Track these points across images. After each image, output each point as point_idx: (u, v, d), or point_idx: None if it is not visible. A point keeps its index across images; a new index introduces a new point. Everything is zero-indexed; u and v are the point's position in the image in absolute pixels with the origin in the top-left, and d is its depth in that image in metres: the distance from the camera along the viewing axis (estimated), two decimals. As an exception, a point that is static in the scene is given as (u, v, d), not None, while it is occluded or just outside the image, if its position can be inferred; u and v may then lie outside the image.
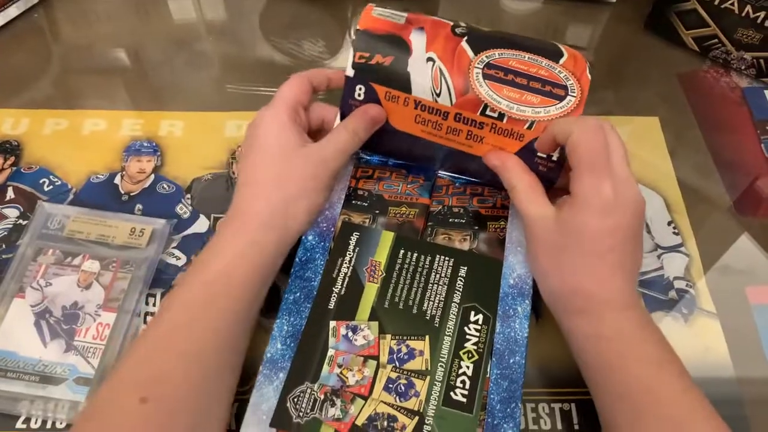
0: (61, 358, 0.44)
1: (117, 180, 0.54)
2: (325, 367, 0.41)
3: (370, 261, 0.46)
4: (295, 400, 0.40)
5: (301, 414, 0.40)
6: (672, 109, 0.62)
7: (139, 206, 0.53)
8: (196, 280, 0.40)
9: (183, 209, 0.53)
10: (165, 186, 0.54)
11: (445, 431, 0.39)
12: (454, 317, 0.44)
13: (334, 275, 0.45)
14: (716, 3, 0.60)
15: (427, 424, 0.40)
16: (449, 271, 0.46)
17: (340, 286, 0.45)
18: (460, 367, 0.42)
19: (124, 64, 0.65)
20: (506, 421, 0.40)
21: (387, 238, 0.47)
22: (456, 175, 0.52)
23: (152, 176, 0.55)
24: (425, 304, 0.44)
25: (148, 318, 0.47)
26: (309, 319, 0.43)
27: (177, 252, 0.50)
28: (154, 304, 0.47)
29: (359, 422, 0.39)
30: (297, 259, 0.46)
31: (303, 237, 0.46)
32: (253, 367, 0.42)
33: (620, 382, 0.38)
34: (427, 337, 0.43)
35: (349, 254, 0.46)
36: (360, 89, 0.45)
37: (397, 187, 0.51)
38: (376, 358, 0.42)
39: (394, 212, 0.49)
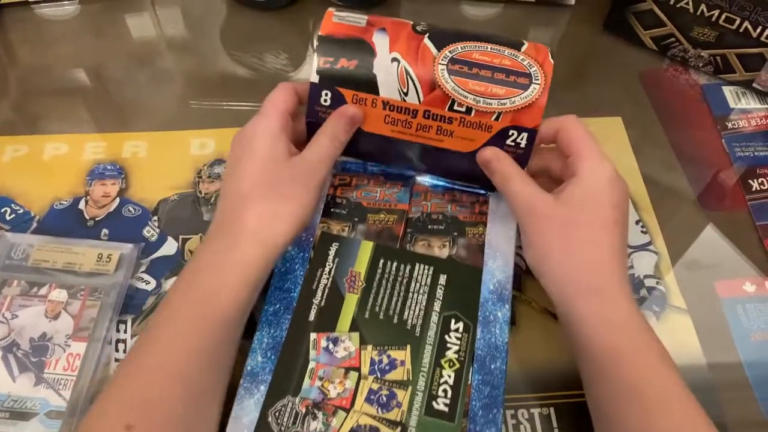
0: (31, 392, 0.43)
1: (81, 205, 0.53)
2: (306, 380, 0.41)
3: (350, 271, 0.46)
4: (277, 414, 0.40)
5: (282, 428, 0.39)
6: (634, 108, 0.63)
7: (105, 231, 0.52)
8: (183, 299, 0.39)
9: (150, 232, 0.52)
10: (131, 209, 0.53)
11: None
12: (435, 326, 0.44)
13: (314, 287, 0.45)
14: (671, 2, 0.61)
15: None
16: (429, 279, 0.46)
17: (320, 298, 0.45)
18: (441, 376, 0.42)
19: (84, 85, 0.64)
20: (488, 427, 0.40)
21: (366, 248, 0.47)
22: (434, 180, 0.52)
23: (117, 200, 0.54)
24: (406, 314, 0.44)
25: (120, 345, 0.46)
26: (289, 331, 0.43)
27: (146, 276, 0.49)
28: (125, 331, 0.47)
29: None
30: (276, 270, 0.46)
31: None
32: (232, 387, 0.41)
33: (629, 373, 0.38)
34: (408, 346, 0.43)
35: (329, 265, 0.46)
36: (326, 94, 0.45)
37: (375, 194, 0.51)
38: (358, 369, 0.42)
39: (373, 219, 0.49)
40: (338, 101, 0.45)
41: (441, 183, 0.52)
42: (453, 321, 0.44)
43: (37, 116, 0.61)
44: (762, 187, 0.56)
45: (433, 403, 0.41)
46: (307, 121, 0.46)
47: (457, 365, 0.42)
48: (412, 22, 0.46)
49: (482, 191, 0.51)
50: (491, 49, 0.45)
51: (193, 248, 0.51)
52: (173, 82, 0.65)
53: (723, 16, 0.59)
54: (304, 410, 0.40)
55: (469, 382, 0.42)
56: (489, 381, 0.42)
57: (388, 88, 0.44)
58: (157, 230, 0.52)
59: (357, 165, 0.53)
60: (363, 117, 0.45)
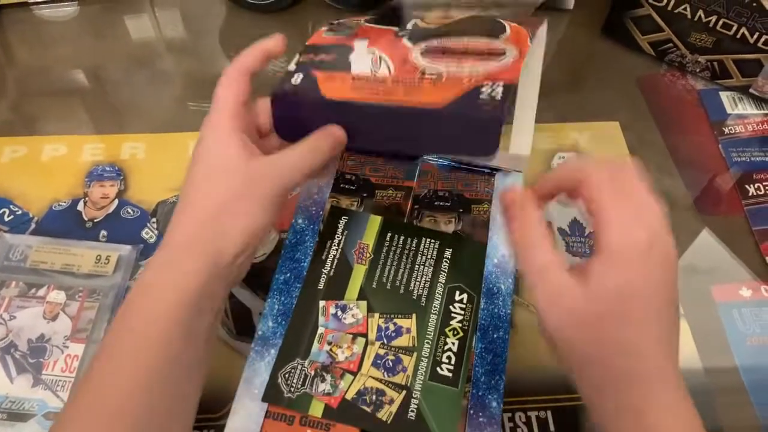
0: (29, 393, 0.43)
1: (80, 207, 0.53)
2: (315, 345, 0.43)
3: (359, 244, 0.47)
4: (287, 376, 0.41)
5: (292, 389, 0.41)
6: (632, 113, 0.63)
7: (103, 233, 0.52)
8: (122, 327, 0.35)
9: (149, 234, 0.52)
10: (129, 211, 0.53)
11: (432, 404, 0.41)
12: (440, 296, 0.45)
13: (323, 257, 0.46)
14: (669, 8, 0.61)
15: (414, 398, 0.41)
16: (435, 253, 0.47)
17: (329, 268, 0.46)
18: (445, 343, 0.43)
19: (83, 86, 0.64)
20: (491, 393, 0.42)
21: (375, 222, 0.48)
22: (442, 161, 0.53)
23: (116, 201, 0.54)
24: (412, 285, 0.46)
25: (118, 347, 0.46)
26: (299, 299, 0.44)
27: (145, 278, 0.49)
28: (123, 333, 0.47)
29: (349, 396, 0.41)
30: (287, 242, 0.47)
31: (293, 221, 0.48)
32: (229, 391, 0.42)
33: None
34: (414, 315, 0.44)
35: (338, 237, 0.47)
36: (298, 76, 0.43)
37: (384, 171, 0.52)
38: (365, 335, 0.43)
39: (382, 195, 0.51)
40: (309, 82, 0.42)
41: (447, 163, 0.53)
42: (457, 292, 0.45)
43: (36, 117, 0.61)
44: (758, 192, 0.57)
45: (438, 368, 0.42)
46: (273, 100, 0.43)
47: (461, 334, 0.44)
48: (396, 29, 0.46)
49: (487, 169, 0.52)
50: (468, 40, 0.44)
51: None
52: (172, 84, 0.65)
53: (720, 22, 0.59)
54: (312, 372, 0.41)
55: (473, 350, 0.43)
56: (492, 349, 0.43)
57: (360, 66, 0.43)
58: (156, 232, 0.52)
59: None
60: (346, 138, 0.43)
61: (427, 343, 0.43)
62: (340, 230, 0.48)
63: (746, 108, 0.63)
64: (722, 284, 0.51)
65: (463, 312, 0.45)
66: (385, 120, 0.44)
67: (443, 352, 0.43)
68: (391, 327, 0.44)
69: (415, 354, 0.43)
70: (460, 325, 0.44)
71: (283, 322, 0.44)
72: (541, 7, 0.71)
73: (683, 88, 0.65)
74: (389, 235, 0.48)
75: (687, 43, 0.63)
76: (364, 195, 0.50)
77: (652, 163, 0.59)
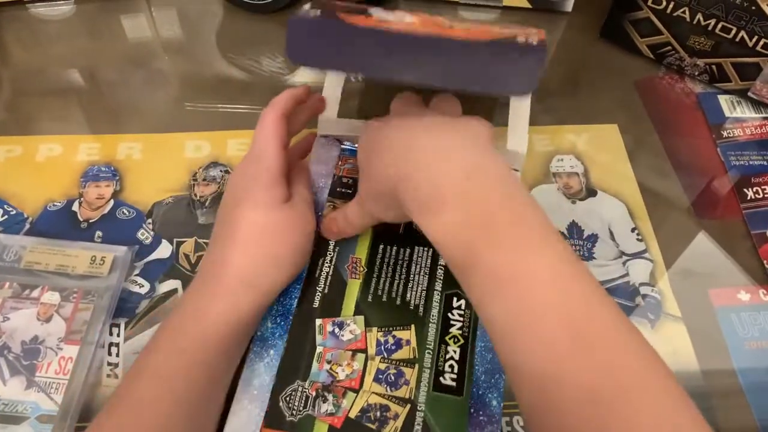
0: (22, 396, 0.43)
1: (75, 207, 0.53)
2: (315, 365, 0.42)
3: (351, 258, 0.46)
4: (288, 399, 0.41)
5: (294, 412, 0.40)
6: (630, 116, 0.63)
7: (98, 233, 0.51)
8: (171, 347, 0.38)
9: (144, 235, 0.52)
10: (125, 211, 0.53)
11: (437, 415, 0.41)
12: (437, 304, 0.45)
13: (317, 275, 0.46)
14: (668, 11, 0.61)
15: (419, 411, 0.41)
16: (429, 261, 0.47)
17: (323, 285, 0.45)
18: (447, 352, 0.43)
19: (78, 86, 0.63)
20: (491, 391, 0.41)
21: (366, 235, 0.48)
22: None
23: (111, 202, 0.53)
24: (408, 295, 0.45)
25: (113, 349, 0.46)
26: (294, 318, 0.44)
27: (140, 279, 0.49)
28: (118, 335, 0.46)
29: (352, 414, 0.40)
30: None
31: None
32: (228, 394, 0.41)
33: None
34: (412, 326, 0.44)
35: (330, 254, 0.47)
36: (316, 11, 0.42)
37: None
38: (364, 351, 0.43)
39: None
40: (331, 15, 0.42)
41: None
42: (455, 299, 0.45)
43: (31, 117, 0.60)
44: (756, 195, 0.56)
45: (441, 378, 0.42)
46: (291, 19, 0.41)
47: (462, 341, 0.43)
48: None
49: None
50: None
51: (187, 251, 0.51)
52: (169, 84, 0.65)
53: (719, 26, 0.59)
54: (314, 393, 0.41)
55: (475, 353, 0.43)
56: (491, 348, 0.43)
57: (381, 14, 0.43)
58: (152, 233, 0.52)
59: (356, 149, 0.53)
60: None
61: (428, 353, 0.43)
62: (331, 246, 0.47)
63: (745, 111, 0.63)
64: (720, 288, 0.51)
65: (462, 318, 0.44)
66: (418, 49, 0.41)
67: (445, 361, 0.42)
68: (391, 340, 0.43)
69: (416, 366, 0.42)
70: (460, 332, 0.44)
71: (282, 323, 0.43)
72: (539, 9, 0.71)
73: (682, 91, 0.65)
74: (381, 246, 0.47)
75: (686, 47, 0.63)
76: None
77: (650, 166, 0.58)
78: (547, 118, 0.60)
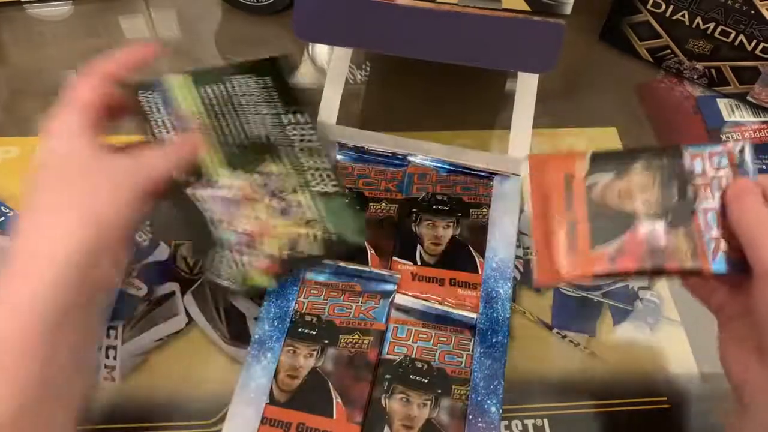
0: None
1: (72, 208, 0.53)
2: (220, 231, 0.42)
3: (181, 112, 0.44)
4: (215, 270, 0.41)
5: (225, 276, 0.41)
6: (629, 119, 0.63)
7: (96, 235, 0.51)
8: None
9: (142, 237, 0.51)
10: (123, 213, 0.53)
11: (336, 218, 0.43)
12: (281, 126, 0.44)
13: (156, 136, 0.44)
14: (668, 15, 0.61)
15: (322, 222, 0.43)
16: (257, 87, 0.45)
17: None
18: (312, 163, 0.44)
19: (76, 87, 0.63)
20: (490, 398, 0.41)
21: (183, 84, 0.45)
22: (438, 163, 0.52)
23: (109, 203, 0.53)
24: (254, 129, 0.44)
25: (110, 352, 0.45)
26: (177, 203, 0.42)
27: (137, 282, 0.49)
28: (115, 337, 0.46)
29: (279, 254, 0.42)
30: None
31: None
32: (223, 397, 0.42)
33: None
34: (267, 156, 0.44)
35: (158, 116, 0.45)
36: None
37: (377, 185, 0.52)
38: (250, 198, 0.42)
39: (375, 208, 0.51)
40: None
41: (445, 166, 0.52)
42: (291, 116, 0.44)
43: (28, 118, 0.60)
44: (755, 199, 0.56)
45: (322, 187, 0.43)
46: None
47: (313, 150, 0.44)
48: None
49: (485, 173, 0.51)
50: None
51: (185, 254, 0.51)
52: (167, 85, 0.64)
53: (718, 29, 0.59)
54: (235, 253, 0.41)
55: (470, 353, 0.43)
56: (491, 354, 0.43)
57: None
58: (150, 234, 0.51)
59: (355, 155, 0.53)
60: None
61: (299, 172, 0.43)
62: (153, 107, 0.44)
63: (743, 115, 0.63)
64: (719, 292, 0.51)
65: (303, 130, 0.44)
66: (432, 23, 0.40)
67: (316, 171, 0.43)
68: (265, 178, 0.43)
69: (299, 188, 0.43)
70: (309, 144, 0.44)
71: (280, 326, 0.43)
72: (538, 12, 0.71)
73: (680, 94, 0.65)
74: (203, 90, 0.44)
75: (685, 50, 0.63)
76: (357, 208, 0.49)
77: (649, 169, 0.58)
78: (546, 120, 0.60)
